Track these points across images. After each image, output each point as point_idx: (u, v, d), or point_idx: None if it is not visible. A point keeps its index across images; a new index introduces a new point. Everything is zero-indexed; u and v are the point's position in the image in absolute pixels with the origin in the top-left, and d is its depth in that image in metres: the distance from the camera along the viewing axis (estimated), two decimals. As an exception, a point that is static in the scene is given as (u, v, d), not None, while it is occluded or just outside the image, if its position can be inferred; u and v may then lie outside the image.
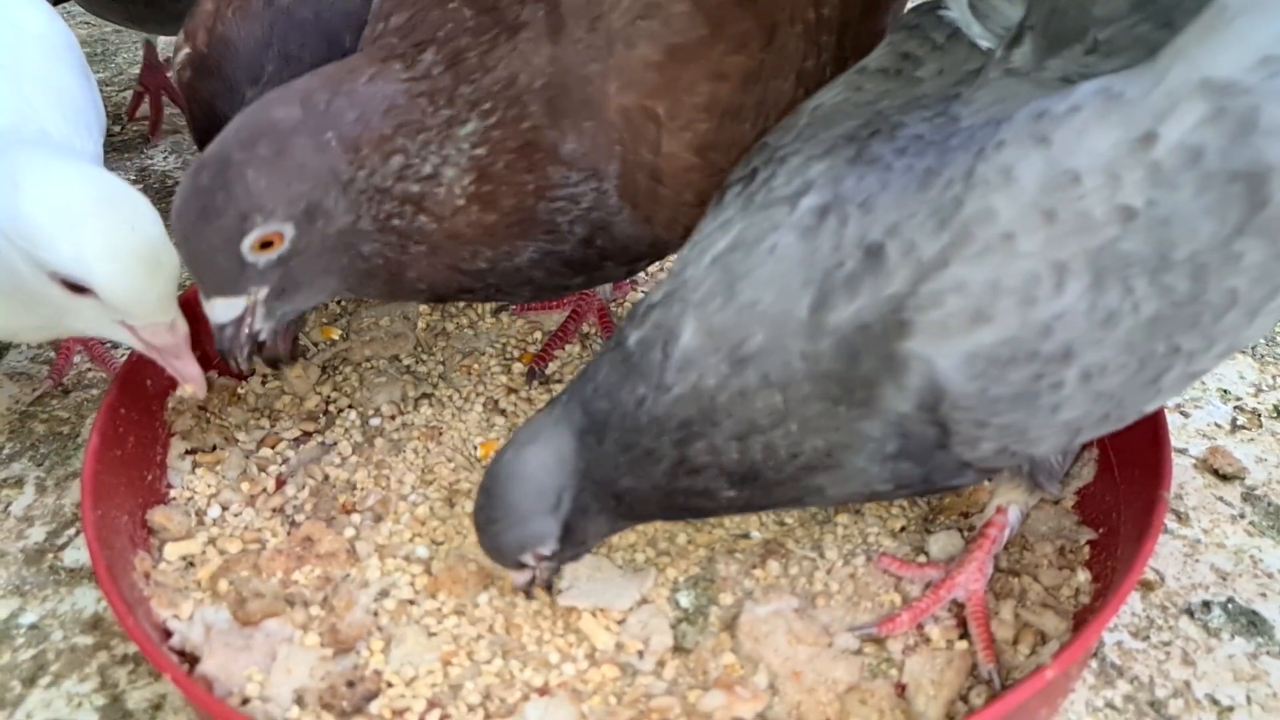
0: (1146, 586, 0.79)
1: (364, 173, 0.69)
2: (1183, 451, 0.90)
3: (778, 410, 0.61)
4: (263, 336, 0.72)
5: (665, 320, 0.63)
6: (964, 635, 0.72)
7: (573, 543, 0.68)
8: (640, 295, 0.69)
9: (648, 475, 0.64)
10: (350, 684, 0.70)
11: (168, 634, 0.73)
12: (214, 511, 0.83)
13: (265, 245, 0.67)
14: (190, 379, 0.77)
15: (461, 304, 1.02)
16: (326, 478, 0.86)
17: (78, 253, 0.69)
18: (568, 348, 0.98)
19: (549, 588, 0.74)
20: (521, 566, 0.70)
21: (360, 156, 0.68)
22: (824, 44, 0.78)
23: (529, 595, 0.74)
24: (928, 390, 0.58)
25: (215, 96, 0.90)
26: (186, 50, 0.92)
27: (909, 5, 0.81)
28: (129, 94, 1.50)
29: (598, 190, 0.73)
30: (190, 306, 0.76)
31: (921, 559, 0.77)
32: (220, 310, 0.69)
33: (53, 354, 1.03)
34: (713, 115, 0.73)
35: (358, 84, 0.70)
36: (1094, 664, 0.74)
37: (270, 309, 0.70)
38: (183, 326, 0.75)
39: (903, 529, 0.80)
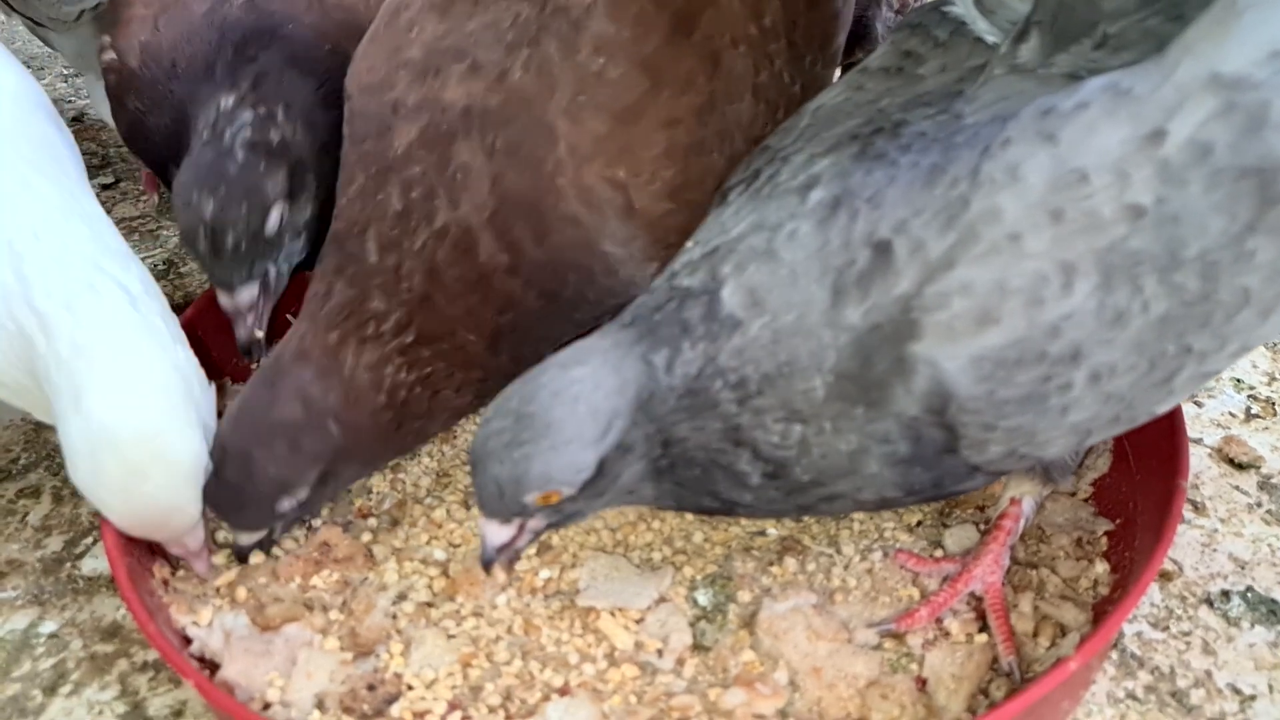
0: (1165, 577, 0.79)
1: (370, 438, 0.76)
2: (1197, 441, 0.90)
3: (814, 399, 0.60)
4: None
5: (717, 273, 0.62)
6: (983, 628, 0.72)
7: (590, 493, 0.63)
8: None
9: (703, 430, 0.61)
10: (371, 687, 0.70)
11: (187, 641, 0.73)
12: (230, 518, 0.83)
13: (287, 502, 0.76)
14: (199, 572, 0.77)
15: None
16: (342, 482, 0.86)
17: (93, 494, 0.69)
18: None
19: (513, 563, 0.69)
20: (518, 515, 0.64)
21: (363, 431, 0.75)
22: (774, 51, 0.78)
23: (490, 568, 0.67)
24: (934, 393, 0.58)
25: (147, 112, 0.90)
26: (111, 55, 0.90)
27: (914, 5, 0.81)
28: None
29: (580, 274, 0.74)
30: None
31: (938, 553, 0.77)
32: (245, 539, 0.78)
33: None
34: (675, 159, 0.73)
35: (344, 366, 0.74)
36: (1114, 655, 0.74)
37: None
38: (196, 541, 0.74)
39: (918, 523, 0.80)
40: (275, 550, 0.80)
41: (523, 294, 0.73)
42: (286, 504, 0.75)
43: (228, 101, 0.84)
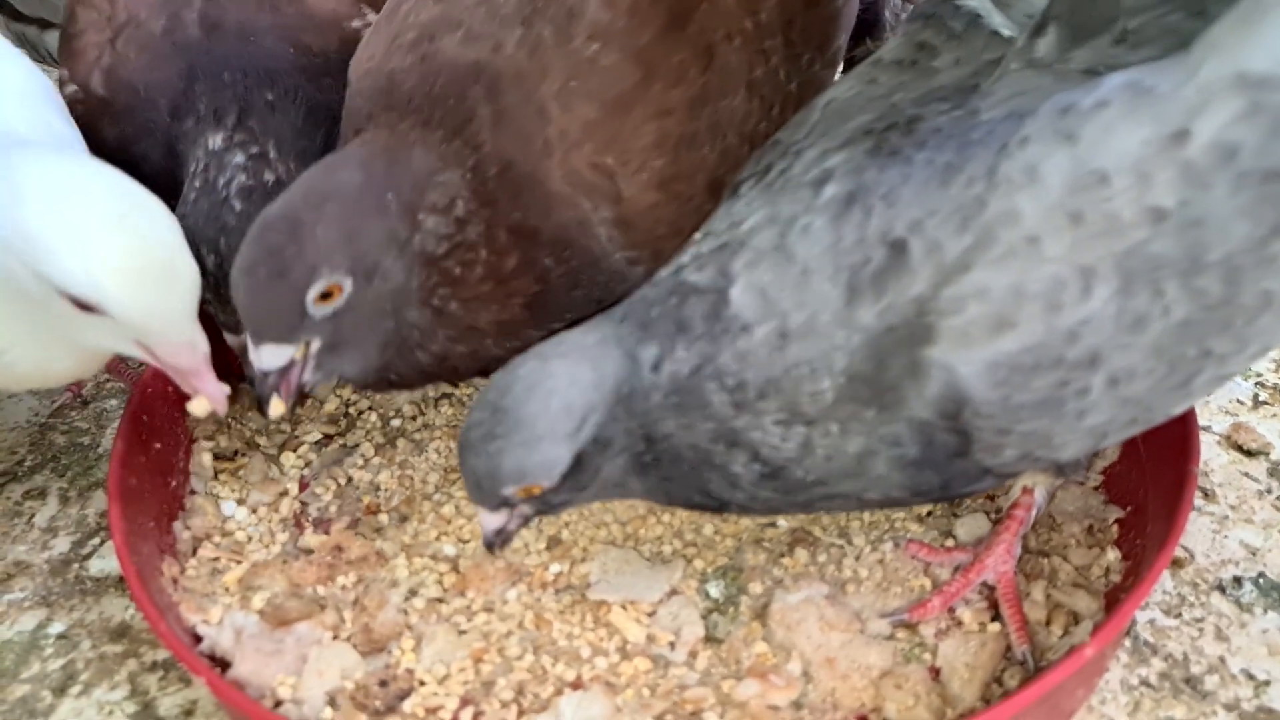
0: (1176, 564, 0.79)
1: (419, 237, 0.71)
2: (1206, 429, 0.89)
3: (823, 402, 0.59)
4: (310, 389, 0.73)
5: (727, 270, 0.61)
6: (996, 617, 0.72)
7: (571, 485, 0.62)
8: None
9: (691, 429, 0.61)
10: (383, 683, 0.70)
11: (197, 639, 0.73)
12: (239, 516, 0.83)
13: (325, 296, 0.68)
14: (212, 397, 0.72)
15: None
16: (350, 480, 0.86)
17: (86, 271, 0.65)
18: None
19: (506, 544, 0.68)
20: (501, 506, 0.64)
21: (417, 221, 0.70)
22: (770, 48, 0.77)
23: (492, 549, 0.68)
24: (948, 398, 0.57)
25: (129, 141, 0.87)
26: (73, 88, 0.89)
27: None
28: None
29: (583, 258, 0.73)
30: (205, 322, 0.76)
31: (949, 543, 0.77)
32: (269, 357, 0.70)
33: (70, 365, 1.03)
34: (665, 150, 0.72)
35: (412, 152, 0.71)
36: (1127, 643, 0.74)
37: (320, 362, 0.72)
38: (203, 344, 0.71)
39: (929, 513, 0.80)
40: (287, 557, 0.79)
41: (541, 259, 0.73)
42: (317, 309, 0.68)
43: (215, 141, 0.81)
